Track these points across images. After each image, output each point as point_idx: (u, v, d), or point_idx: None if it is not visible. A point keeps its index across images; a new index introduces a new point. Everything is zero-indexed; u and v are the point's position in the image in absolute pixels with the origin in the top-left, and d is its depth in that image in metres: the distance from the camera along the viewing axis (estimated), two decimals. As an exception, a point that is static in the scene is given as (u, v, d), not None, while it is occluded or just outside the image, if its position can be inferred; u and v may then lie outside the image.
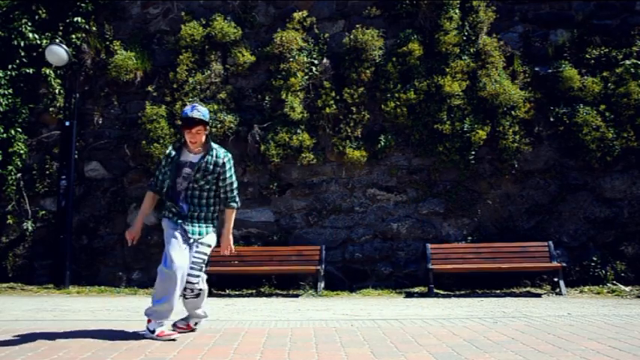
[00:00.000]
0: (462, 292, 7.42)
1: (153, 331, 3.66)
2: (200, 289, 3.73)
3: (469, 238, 7.82)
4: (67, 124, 8.16)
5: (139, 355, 3.16)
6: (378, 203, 8.07)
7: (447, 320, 4.55)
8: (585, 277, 7.52)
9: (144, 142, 8.18)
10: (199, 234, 3.71)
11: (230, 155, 3.84)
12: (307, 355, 3.14)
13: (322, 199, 8.14)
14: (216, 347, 3.39)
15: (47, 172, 8.53)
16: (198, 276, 3.71)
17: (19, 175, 8.49)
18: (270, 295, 7.39)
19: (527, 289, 7.53)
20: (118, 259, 8.34)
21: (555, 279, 7.23)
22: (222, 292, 7.70)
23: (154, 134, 8.09)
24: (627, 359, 2.94)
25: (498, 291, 7.44)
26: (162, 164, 3.83)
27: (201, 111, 3.66)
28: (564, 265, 7.17)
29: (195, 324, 3.99)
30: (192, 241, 3.68)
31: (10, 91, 8.48)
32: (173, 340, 3.61)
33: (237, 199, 3.87)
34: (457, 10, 8.17)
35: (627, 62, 7.88)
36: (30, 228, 8.37)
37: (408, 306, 5.97)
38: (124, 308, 5.86)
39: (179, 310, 3.85)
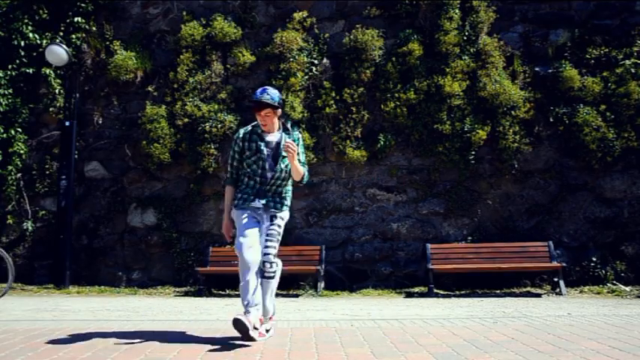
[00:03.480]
0: (462, 292, 7.42)
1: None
2: (274, 271, 3.63)
3: (469, 238, 7.83)
4: (67, 124, 8.17)
5: (139, 355, 3.16)
6: (378, 203, 8.07)
7: (447, 320, 4.55)
8: (585, 277, 7.53)
9: (144, 142, 8.18)
10: (275, 208, 3.66)
11: (301, 136, 3.85)
12: (307, 355, 3.14)
13: (322, 199, 8.14)
14: (216, 347, 3.39)
15: (47, 172, 8.54)
16: (275, 247, 3.65)
17: (19, 175, 8.50)
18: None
19: (527, 289, 7.54)
20: (118, 259, 8.34)
21: (555, 279, 7.23)
22: (222, 292, 7.71)
23: (154, 134, 8.10)
24: (627, 359, 2.94)
25: (498, 291, 7.44)
26: (234, 151, 3.71)
27: (270, 94, 3.59)
28: (564, 265, 7.17)
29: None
30: (268, 214, 3.64)
31: (10, 91, 8.49)
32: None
33: (306, 174, 3.73)
34: (457, 10, 8.16)
35: (627, 62, 7.88)
36: (30, 228, 8.37)
37: (408, 306, 5.97)
38: (124, 308, 5.86)
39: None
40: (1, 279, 8.31)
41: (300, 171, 3.66)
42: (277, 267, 3.68)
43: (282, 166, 3.67)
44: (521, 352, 3.14)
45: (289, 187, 3.81)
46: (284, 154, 3.64)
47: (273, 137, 3.69)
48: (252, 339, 3.44)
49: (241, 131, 3.75)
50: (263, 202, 3.63)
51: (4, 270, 8.32)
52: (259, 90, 3.65)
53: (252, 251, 3.47)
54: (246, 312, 3.48)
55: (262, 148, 3.64)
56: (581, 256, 7.63)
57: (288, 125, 3.80)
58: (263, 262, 3.57)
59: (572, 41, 8.23)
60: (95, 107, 8.77)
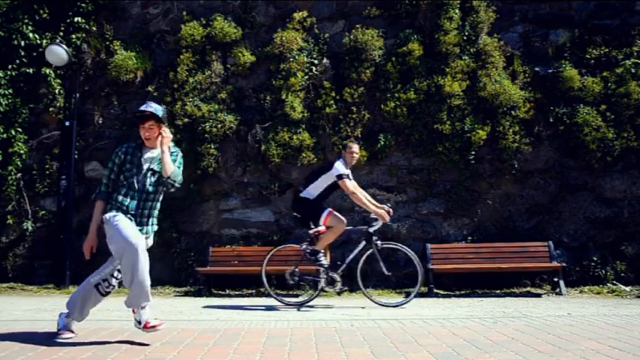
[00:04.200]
0: (462, 292, 7.42)
1: (139, 322, 3.60)
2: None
3: (469, 238, 7.82)
4: (67, 124, 8.15)
5: (139, 355, 3.17)
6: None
7: (447, 320, 4.55)
8: (585, 277, 7.53)
9: (144, 142, 8.17)
10: (146, 232, 3.75)
11: (179, 151, 3.93)
12: (307, 355, 3.14)
13: (322, 199, 8.12)
14: (216, 347, 3.39)
15: (47, 172, 8.53)
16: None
17: (19, 175, 8.49)
18: (270, 295, 7.39)
19: (527, 289, 7.54)
20: (118, 259, 8.33)
21: (555, 279, 7.23)
22: (222, 292, 7.70)
23: (154, 134, 8.09)
24: (627, 359, 2.94)
25: (498, 291, 7.44)
26: (114, 163, 3.76)
27: (153, 107, 3.72)
28: (564, 265, 7.17)
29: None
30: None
31: (10, 91, 8.48)
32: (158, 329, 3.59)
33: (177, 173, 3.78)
34: (457, 10, 8.17)
35: (627, 62, 7.89)
36: (30, 228, 8.37)
37: (408, 306, 5.98)
38: (124, 308, 5.84)
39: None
40: (0, 279, 8.31)
41: (171, 165, 3.70)
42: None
43: (156, 180, 3.75)
44: (521, 352, 3.14)
45: (158, 207, 3.88)
46: (159, 167, 3.73)
47: (153, 153, 3.78)
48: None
49: (124, 145, 3.85)
50: (134, 223, 3.66)
51: (4, 270, 8.34)
52: (143, 105, 3.75)
53: (145, 251, 3.54)
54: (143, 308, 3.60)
55: (142, 162, 3.73)
56: (581, 256, 7.63)
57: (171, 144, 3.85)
58: (120, 284, 3.72)
59: (572, 41, 8.23)
60: (95, 107, 8.77)
